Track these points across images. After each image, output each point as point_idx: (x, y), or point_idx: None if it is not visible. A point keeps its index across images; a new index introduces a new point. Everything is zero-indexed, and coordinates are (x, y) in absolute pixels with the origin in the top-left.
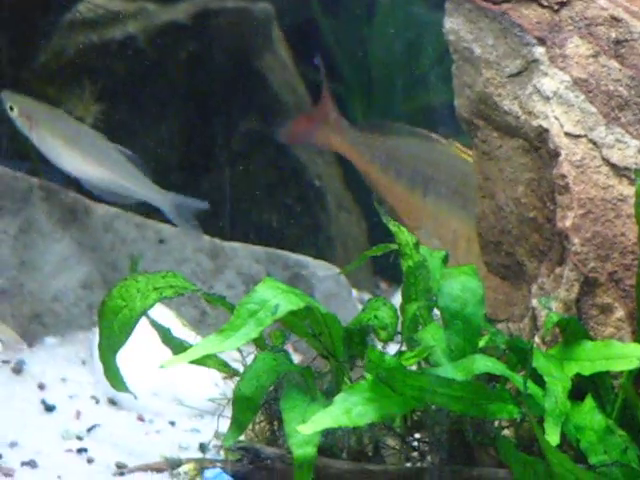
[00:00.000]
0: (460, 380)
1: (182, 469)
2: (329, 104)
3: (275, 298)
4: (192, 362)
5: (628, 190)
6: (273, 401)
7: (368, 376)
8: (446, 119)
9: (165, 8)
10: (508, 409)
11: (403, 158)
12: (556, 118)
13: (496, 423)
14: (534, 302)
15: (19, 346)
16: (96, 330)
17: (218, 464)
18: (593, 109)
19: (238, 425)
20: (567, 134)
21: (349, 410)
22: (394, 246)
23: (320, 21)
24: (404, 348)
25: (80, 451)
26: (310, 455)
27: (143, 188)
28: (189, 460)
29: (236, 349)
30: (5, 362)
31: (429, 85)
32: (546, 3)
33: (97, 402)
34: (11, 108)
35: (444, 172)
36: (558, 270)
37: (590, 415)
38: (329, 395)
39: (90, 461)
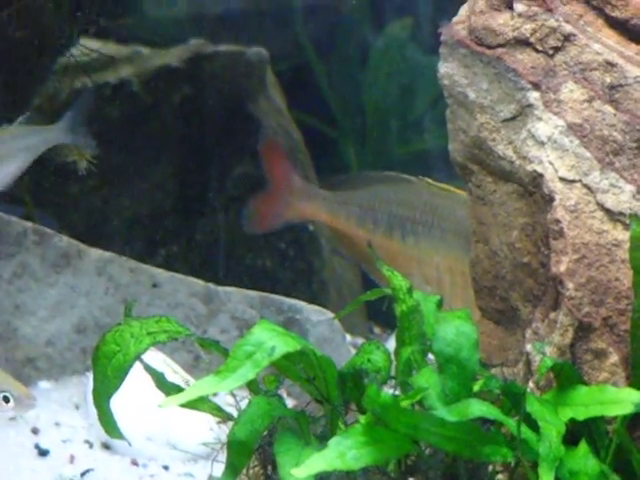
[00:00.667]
0: (454, 420)
1: None
2: (289, 173)
3: (271, 340)
4: (185, 406)
5: (622, 235)
6: (267, 445)
7: (362, 420)
8: (440, 164)
9: (159, 52)
10: (502, 452)
11: (376, 206)
12: (550, 163)
13: (490, 468)
14: (528, 347)
15: (30, 402)
16: (90, 374)
17: None
18: (588, 154)
19: (232, 469)
20: (561, 179)
21: (343, 454)
22: (388, 291)
23: (314, 65)
24: (398, 392)
25: None
26: None
27: (37, 138)
28: None
29: (230, 393)
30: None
31: (423, 130)
32: (541, 48)
33: (91, 446)
34: None
35: (418, 210)
36: (552, 315)
37: (584, 460)
38: (323, 440)
39: None
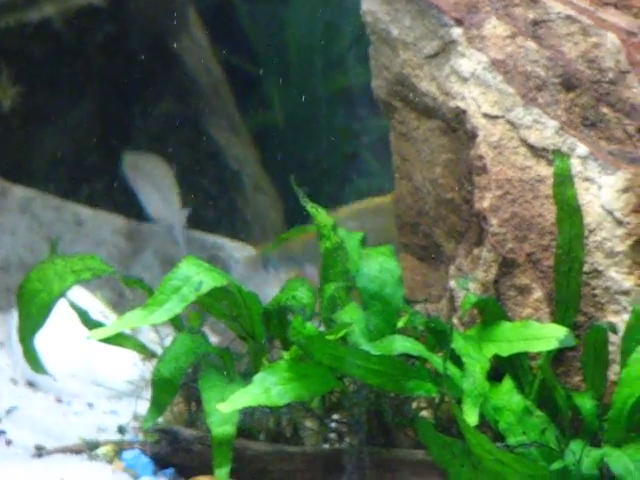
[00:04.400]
0: (378, 354)
1: (100, 451)
2: None
3: (198, 275)
4: (110, 342)
5: (546, 171)
6: (191, 382)
7: (286, 356)
8: (364, 101)
9: None
10: (426, 387)
11: None
12: (473, 99)
13: (414, 404)
14: (452, 283)
15: None
16: (14, 312)
17: (137, 446)
18: (511, 90)
19: (157, 406)
20: (485, 115)
21: (268, 389)
22: (311, 228)
23: (236, 2)
24: (322, 329)
25: None
26: (229, 434)
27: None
28: (107, 442)
29: (154, 330)
30: None
31: (346, 67)
32: None
33: (15, 384)
34: None
35: None
36: (476, 251)
37: (509, 396)
38: (247, 376)
39: (8, 443)
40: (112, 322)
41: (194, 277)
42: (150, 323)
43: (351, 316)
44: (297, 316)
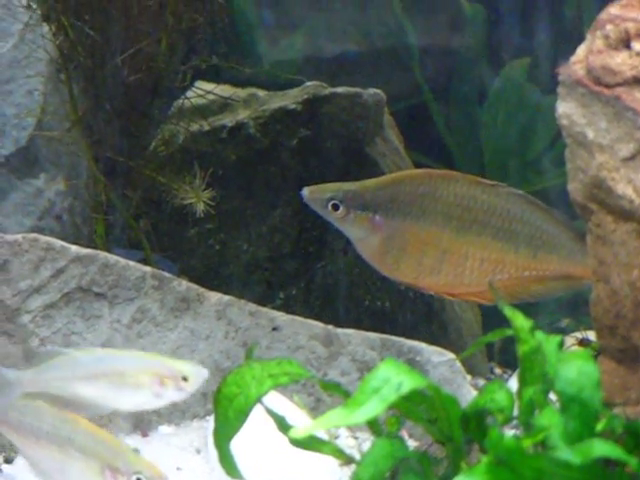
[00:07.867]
0: (578, 462)
1: None
2: None
3: (398, 376)
4: (308, 448)
5: None
6: None
7: (484, 459)
8: (560, 203)
9: (275, 95)
10: None
11: None
12: None
13: None
14: None
15: None
16: (210, 419)
17: None
18: None
19: None
20: None
21: None
22: (509, 331)
23: (431, 106)
24: (519, 432)
25: None
26: None
27: None
28: None
29: (351, 436)
30: None
31: (542, 169)
32: None
33: None
34: None
35: None
36: None
37: None
38: None
39: None
40: (313, 422)
41: (394, 378)
42: (351, 423)
43: (549, 419)
44: (493, 429)
